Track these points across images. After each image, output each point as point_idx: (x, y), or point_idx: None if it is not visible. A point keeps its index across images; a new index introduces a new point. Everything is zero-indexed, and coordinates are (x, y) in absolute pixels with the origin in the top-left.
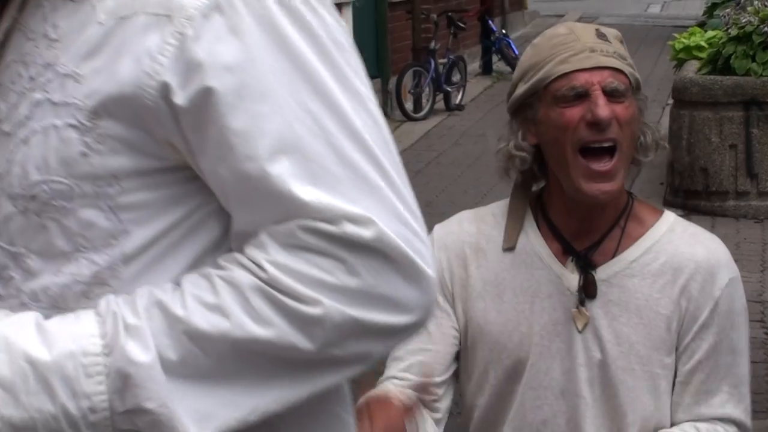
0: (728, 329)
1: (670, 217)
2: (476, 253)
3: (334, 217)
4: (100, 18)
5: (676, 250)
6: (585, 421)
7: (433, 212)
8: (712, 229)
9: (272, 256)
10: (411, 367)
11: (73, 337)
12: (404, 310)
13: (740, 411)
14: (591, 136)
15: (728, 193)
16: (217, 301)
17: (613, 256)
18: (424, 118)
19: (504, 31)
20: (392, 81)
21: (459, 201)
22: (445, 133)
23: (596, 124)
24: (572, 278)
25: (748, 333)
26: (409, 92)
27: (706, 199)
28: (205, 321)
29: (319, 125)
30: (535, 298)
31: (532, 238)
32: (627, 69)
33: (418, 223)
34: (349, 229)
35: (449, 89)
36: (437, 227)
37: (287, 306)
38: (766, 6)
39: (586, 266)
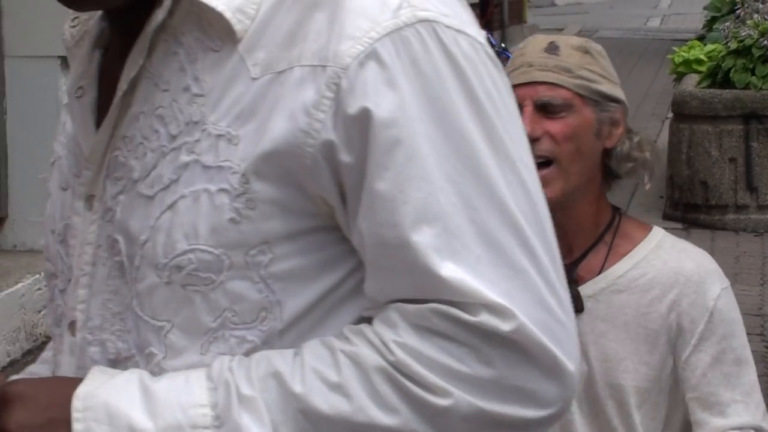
0: (729, 338)
1: (658, 233)
2: None
3: (471, 304)
4: (254, 73)
5: (664, 265)
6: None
7: None
8: (711, 242)
9: (402, 338)
10: None
11: (181, 407)
12: (540, 404)
13: (760, 416)
14: None
15: (728, 207)
16: (340, 380)
17: (600, 272)
18: None
19: (503, 45)
20: None
21: None
22: None
23: None
24: None
25: (747, 342)
26: None
27: (705, 213)
28: (324, 402)
29: (464, 197)
30: None
31: None
32: (569, 82)
33: (562, 309)
34: (487, 319)
35: None
36: None
37: (414, 394)
38: (765, 19)
39: (570, 282)
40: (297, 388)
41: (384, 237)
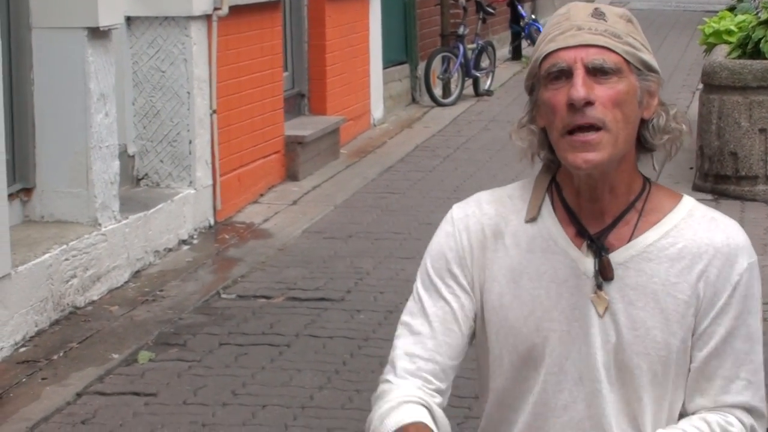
0: (745, 314)
1: (689, 202)
2: (495, 237)
3: None
4: None
5: (694, 235)
6: (604, 406)
7: (461, 197)
8: (741, 213)
9: None
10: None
11: None
12: None
13: (758, 399)
14: (572, 120)
15: (758, 178)
16: None
17: (630, 240)
18: (453, 103)
19: (533, 16)
20: (421, 66)
21: (487, 186)
22: (473, 119)
23: (573, 106)
24: (588, 262)
25: (761, 321)
26: (438, 78)
27: (735, 184)
28: None
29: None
30: (552, 283)
31: (548, 223)
32: (620, 47)
33: None
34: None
35: (478, 74)
36: (456, 208)
37: None
38: None
39: (600, 249)
40: None
41: None
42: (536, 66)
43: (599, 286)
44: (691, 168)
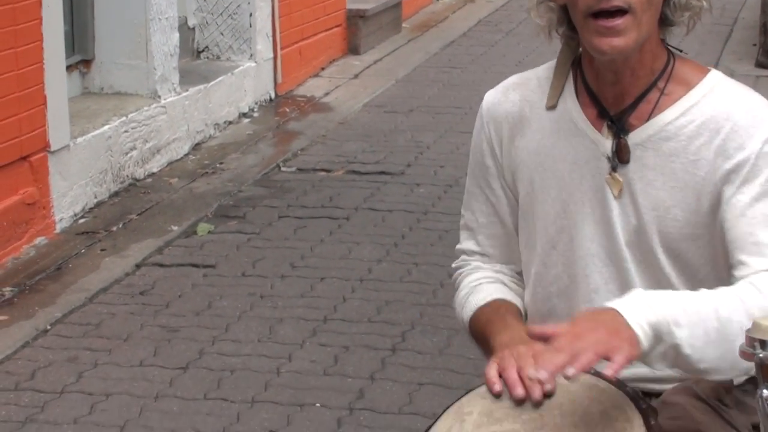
0: None
1: (715, 77)
2: (521, 122)
3: None
4: None
5: (714, 110)
6: (635, 286)
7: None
8: None
9: None
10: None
11: None
12: None
13: None
14: (597, 3)
15: None
16: None
17: (648, 119)
18: None
19: None
20: None
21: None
22: None
23: None
24: (607, 143)
25: None
26: None
27: None
28: None
29: None
30: (574, 165)
31: (570, 105)
32: None
33: None
34: None
35: None
36: (487, 95)
37: None
38: None
39: (619, 130)
40: None
41: None
42: None
43: (614, 168)
44: (755, 45)
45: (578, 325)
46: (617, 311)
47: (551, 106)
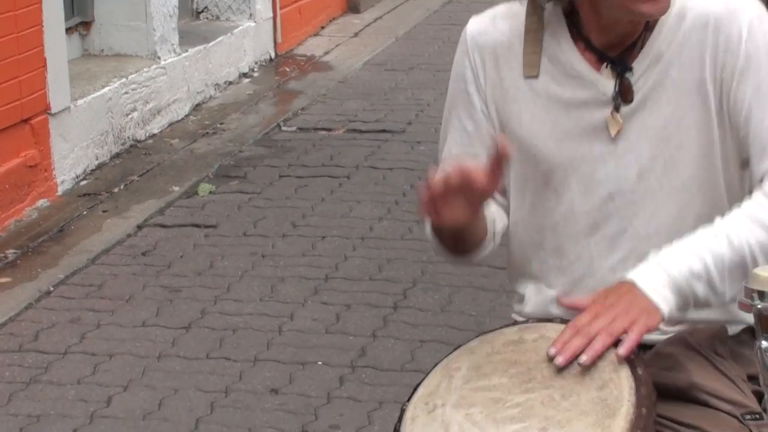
0: (766, 66)
1: None
2: (509, 53)
3: None
4: None
5: (693, 12)
6: (641, 216)
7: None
8: None
9: None
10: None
11: None
12: None
13: None
14: None
15: None
16: None
17: (642, 47)
18: None
19: None
20: None
21: None
22: None
23: None
24: (608, 84)
25: None
26: None
27: None
28: None
29: None
30: (570, 105)
31: (565, 48)
32: None
33: None
34: None
35: None
36: (471, 22)
37: None
38: None
39: (623, 70)
40: None
41: None
42: None
43: (617, 108)
44: None
45: (598, 302)
46: (633, 282)
47: (533, 75)
